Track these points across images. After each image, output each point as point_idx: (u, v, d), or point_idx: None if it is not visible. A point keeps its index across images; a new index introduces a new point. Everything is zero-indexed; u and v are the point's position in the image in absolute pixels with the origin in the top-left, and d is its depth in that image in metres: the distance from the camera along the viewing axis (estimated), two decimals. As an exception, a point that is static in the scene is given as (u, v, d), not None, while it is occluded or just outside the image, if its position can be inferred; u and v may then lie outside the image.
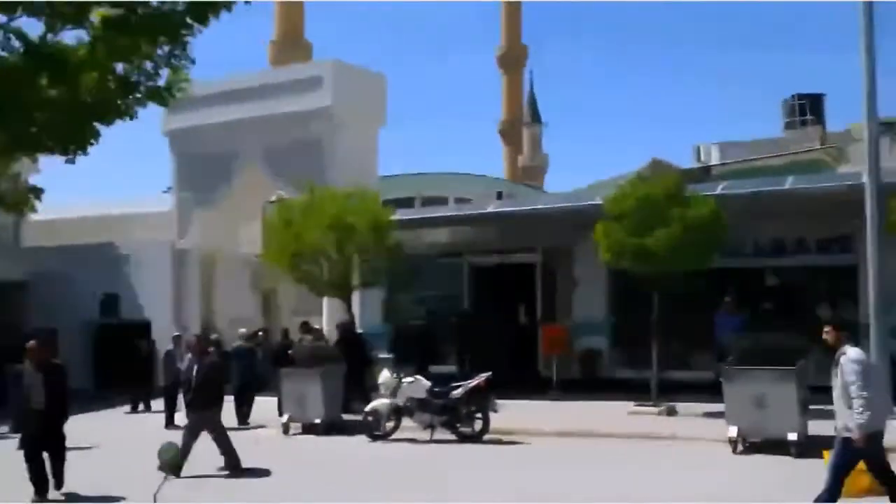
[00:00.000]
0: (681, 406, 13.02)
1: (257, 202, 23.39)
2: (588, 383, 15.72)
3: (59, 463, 9.49)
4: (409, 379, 12.02)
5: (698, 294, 15.15)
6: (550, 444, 11.53)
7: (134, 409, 18.53)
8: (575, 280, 16.49)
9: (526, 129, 71.66)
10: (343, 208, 14.51)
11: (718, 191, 13.55)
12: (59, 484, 9.45)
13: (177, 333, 16.53)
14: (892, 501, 6.72)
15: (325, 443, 12.49)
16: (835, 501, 6.57)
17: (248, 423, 14.85)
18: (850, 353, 6.67)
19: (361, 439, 12.35)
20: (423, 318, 17.71)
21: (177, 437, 14.33)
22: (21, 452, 9.50)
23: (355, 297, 19.17)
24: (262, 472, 10.31)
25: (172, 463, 7.25)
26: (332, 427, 13.18)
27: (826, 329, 7.04)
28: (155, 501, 6.43)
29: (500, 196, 23.00)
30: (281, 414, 14.97)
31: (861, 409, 6.42)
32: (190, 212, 21.84)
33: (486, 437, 11.73)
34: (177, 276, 21.96)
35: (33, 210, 18.09)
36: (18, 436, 10.36)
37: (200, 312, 22.02)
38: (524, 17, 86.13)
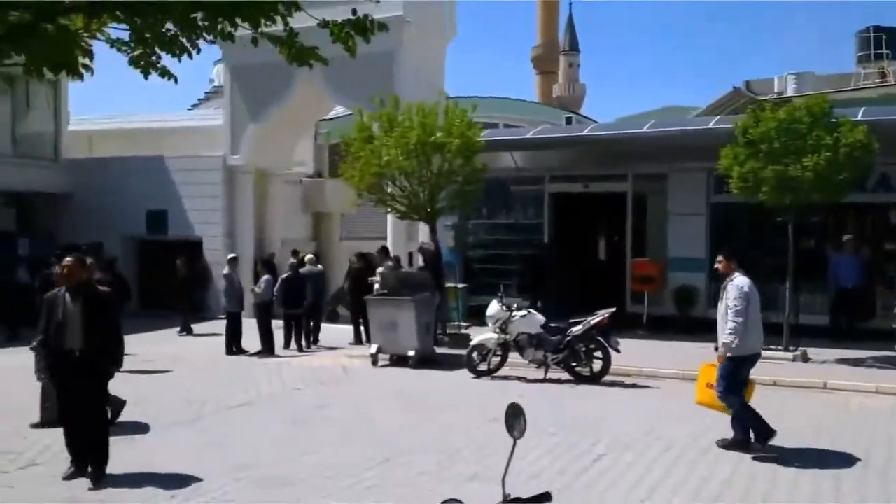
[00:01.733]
0: (810, 351, 11.83)
1: (313, 118, 21.94)
2: (679, 322, 14.53)
3: (99, 434, 6.49)
4: (522, 312, 10.79)
5: (812, 230, 13.86)
6: (680, 388, 10.33)
7: (184, 330, 17.54)
8: (669, 211, 15.13)
9: (563, 57, 68.88)
10: (431, 125, 13.07)
11: (861, 116, 12.00)
12: (95, 476, 6.36)
13: (233, 255, 15.30)
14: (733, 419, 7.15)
15: (424, 377, 11.34)
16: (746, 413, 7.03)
17: (316, 346, 14.43)
18: (737, 280, 7.07)
19: (461, 375, 11.22)
20: (536, 249, 16.24)
21: (235, 363, 13.62)
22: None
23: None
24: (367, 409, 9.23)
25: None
26: (424, 360, 12.06)
27: (719, 259, 7.38)
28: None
29: (569, 121, 21.46)
30: (359, 342, 13.96)
31: (731, 330, 6.92)
32: (242, 127, 20.38)
33: (606, 377, 10.58)
34: (228, 193, 20.65)
35: (79, 76, 16.73)
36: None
37: (254, 232, 20.81)
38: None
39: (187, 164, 21.06)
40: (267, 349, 13.77)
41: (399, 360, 12.24)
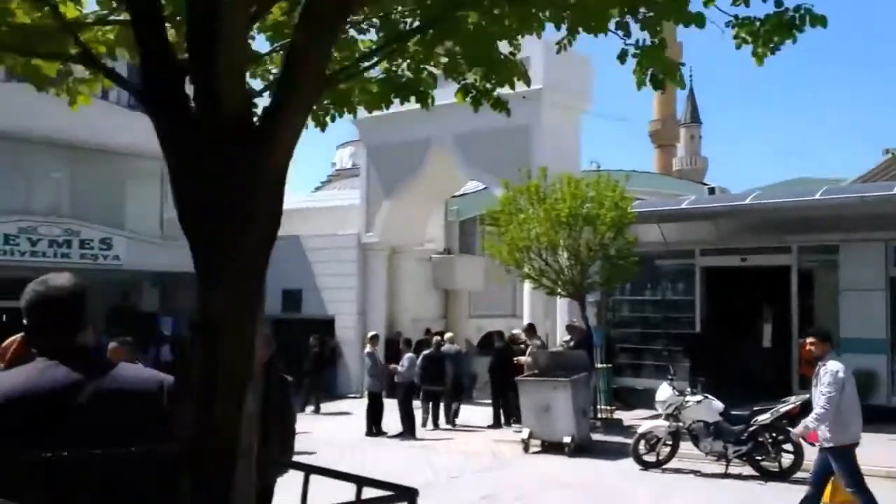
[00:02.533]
0: None
1: (444, 194, 21.76)
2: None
3: None
4: (697, 397, 9.70)
5: None
6: (880, 486, 8.91)
7: (316, 410, 17.22)
8: (841, 287, 13.71)
9: (683, 129, 67.40)
10: (583, 197, 12.41)
11: None
12: None
13: (374, 333, 14.87)
14: None
15: (585, 467, 10.32)
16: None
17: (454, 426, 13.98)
18: (831, 364, 6.83)
19: (626, 465, 10.16)
20: (688, 327, 15.16)
21: (379, 445, 13.03)
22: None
23: (563, 300, 17.17)
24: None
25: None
26: (581, 447, 11.07)
27: (810, 341, 7.11)
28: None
29: (712, 191, 20.33)
30: (498, 425, 13.13)
31: (817, 416, 6.73)
32: (377, 205, 20.37)
33: (797, 474, 9.28)
34: (362, 271, 20.52)
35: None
36: None
37: (386, 310, 20.52)
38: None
39: (322, 242, 21.16)
40: (409, 430, 13.14)
41: (551, 447, 11.28)
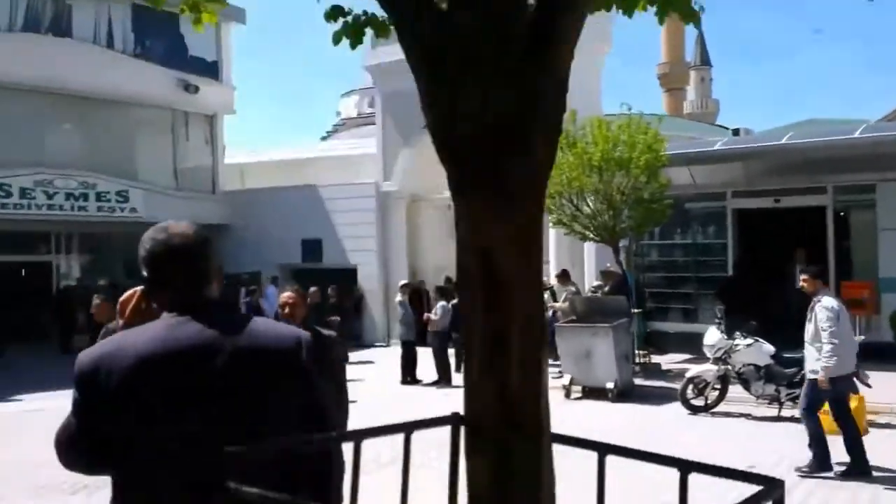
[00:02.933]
0: None
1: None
2: (896, 350, 12.78)
3: None
4: (747, 341, 9.55)
5: None
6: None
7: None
8: (879, 227, 13.47)
9: (693, 72, 66.27)
10: (615, 140, 12.08)
11: None
12: None
13: (405, 282, 14.65)
14: (844, 443, 6.94)
15: (632, 412, 10.19)
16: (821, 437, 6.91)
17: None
18: (825, 300, 6.98)
19: (673, 410, 10.06)
20: (719, 270, 14.96)
21: (415, 393, 13.01)
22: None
23: (590, 246, 16.94)
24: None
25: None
26: (623, 392, 10.97)
27: (803, 277, 7.29)
28: None
29: (736, 133, 19.93)
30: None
31: (829, 353, 6.80)
32: (394, 153, 20.00)
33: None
34: (382, 220, 20.27)
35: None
36: None
37: (407, 259, 20.33)
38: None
39: (340, 192, 20.86)
40: (445, 378, 13.05)
41: (592, 393, 11.18)
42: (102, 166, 20.38)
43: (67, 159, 19.89)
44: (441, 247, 21.45)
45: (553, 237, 17.30)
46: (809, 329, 7.07)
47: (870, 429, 8.16)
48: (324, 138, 42.63)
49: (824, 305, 6.94)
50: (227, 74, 23.04)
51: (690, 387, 9.90)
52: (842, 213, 14.09)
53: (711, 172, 15.06)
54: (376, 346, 19.60)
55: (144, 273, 2.07)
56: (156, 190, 21.29)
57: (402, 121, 19.68)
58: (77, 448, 1.97)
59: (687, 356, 14.49)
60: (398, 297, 13.71)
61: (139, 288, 2.15)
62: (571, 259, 17.09)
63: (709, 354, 9.79)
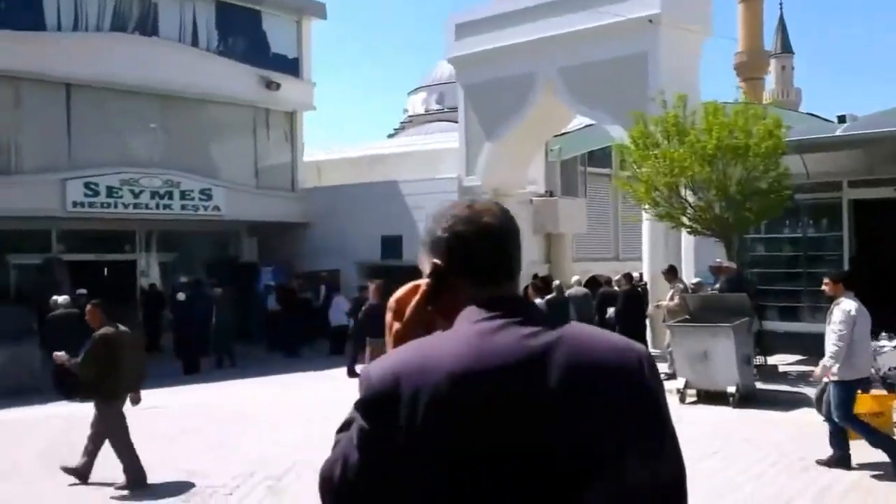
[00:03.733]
0: None
1: (550, 134, 20.62)
2: None
3: None
4: (894, 342, 8.64)
5: None
6: None
7: None
8: None
9: (774, 60, 63.59)
10: (732, 126, 11.20)
11: None
12: None
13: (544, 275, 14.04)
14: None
15: (762, 420, 9.34)
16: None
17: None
18: (844, 304, 6.99)
19: (806, 417, 9.19)
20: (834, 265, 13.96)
21: None
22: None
23: (680, 238, 16.02)
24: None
25: None
26: (745, 397, 10.12)
27: (825, 281, 7.37)
28: None
29: (842, 119, 18.64)
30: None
31: (831, 355, 6.89)
32: (477, 147, 19.37)
33: None
34: (465, 216, 19.64)
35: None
36: None
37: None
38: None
39: (422, 187, 20.34)
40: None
41: (709, 397, 10.36)
42: (186, 165, 20.35)
43: (152, 158, 19.91)
44: (526, 243, 20.73)
45: (647, 232, 16.45)
46: (827, 332, 7.05)
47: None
48: (390, 136, 42.51)
49: (842, 308, 6.97)
50: (308, 71, 22.81)
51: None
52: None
53: (826, 161, 13.99)
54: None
55: (436, 260, 1.53)
56: (237, 188, 21.18)
57: (485, 113, 19.07)
58: (359, 495, 1.38)
59: (798, 357, 13.52)
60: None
61: (421, 281, 1.57)
62: (665, 255, 16.18)
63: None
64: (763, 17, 67.88)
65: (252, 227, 22.74)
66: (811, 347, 13.27)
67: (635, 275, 16.57)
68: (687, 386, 10.40)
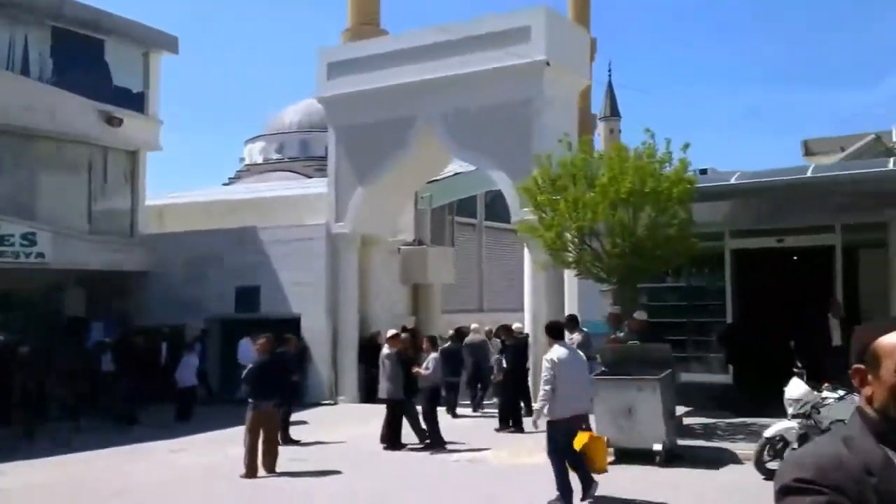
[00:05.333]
0: None
1: (424, 179, 19.72)
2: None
3: None
4: (837, 393, 8.20)
5: None
6: None
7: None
8: (894, 268, 12.65)
9: (603, 123, 66.89)
10: (648, 171, 10.75)
11: None
12: None
13: (394, 331, 12.67)
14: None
15: (695, 480, 8.57)
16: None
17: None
18: (550, 352, 7.62)
19: (742, 476, 8.57)
20: (713, 315, 13.86)
21: (422, 461, 10.90)
22: None
23: (563, 287, 15.55)
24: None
25: None
26: (671, 455, 9.40)
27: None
28: None
29: (704, 172, 19.11)
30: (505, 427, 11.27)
31: (541, 398, 7.48)
32: (347, 193, 18.07)
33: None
34: (332, 265, 18.22)
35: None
36: None
37: (358, 307, 18.30)
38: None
39: (285, 234, 18.72)
40: (437, 442, 11.16)
41: (630, 456, 9.53)
42: (6, 206, 17.57)
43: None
44: (389, 293, 19.60)
45: (529, 281, 15.84)
46: None
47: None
48: (226, 184, 40.30)
49: (547, 356, 7.59)
50: (154, 107, 20.66)
51: (767, 448, 8.43)
52: (851, 254, 13.24)
53: (707, 211, 13.98)
54: (322, 405, 17.39)
55: None
56: (67, 233, 18.52)
57: (356, 157, 17.92)
58: None
59: (687, 408, 13.19)
60: (385, 350, 11.72)
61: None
62: (549, 305, 15.59)
63: (791, 410, 8.35)
64: (591, 80, 71.85)
65: (80, 278, 19.98)
66: (699, 398, 13.05)
67: (516, 325, 15.85)
68: (608, 444, 9.53)
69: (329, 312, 17.97)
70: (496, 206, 24.31)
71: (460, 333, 15.30)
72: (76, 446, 12.70)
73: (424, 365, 11.22)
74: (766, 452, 8.40)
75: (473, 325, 13.57)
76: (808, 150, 43.61)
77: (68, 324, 19.11)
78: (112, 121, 19.13)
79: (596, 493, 7.73)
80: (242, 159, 52.61)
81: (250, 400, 9.96)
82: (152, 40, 20.45)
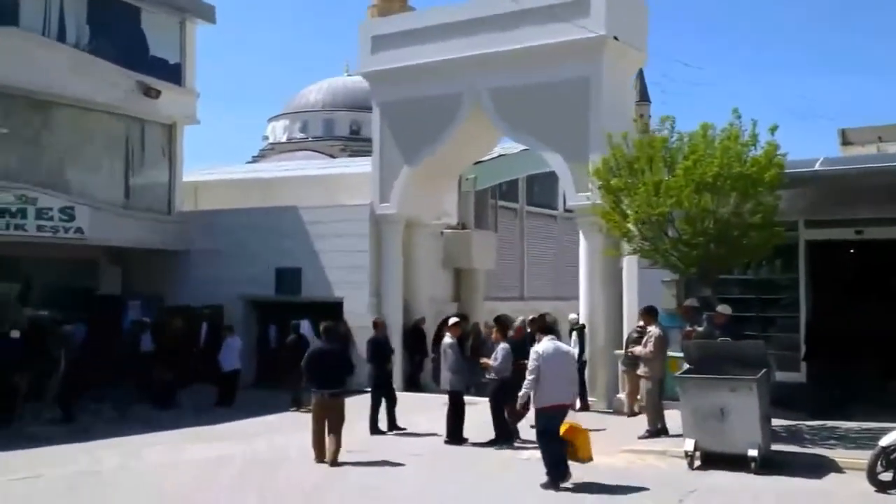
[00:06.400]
0: None
1: (471, 159, 18.99)
2: None
3: None
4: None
5: None
6: None
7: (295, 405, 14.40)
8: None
9: (634, 107, 65.49)
10: (738, 153, 10.01)
11: None
12: None
13: (456, 319, 12.02)
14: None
15: (798, 490, 7.95)
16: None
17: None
18: (536, 345, 8.45)
19: (849, 484, 7.92)
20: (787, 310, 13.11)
21: (484, 457, 10.42)
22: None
23: (621, 275, 14.84)
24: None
25: None
26: (766, 462, 8.73)
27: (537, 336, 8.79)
28: None
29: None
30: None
31: (524, 386, 8.26)
32: (393, 172, 17.40)
33: None
34: (376, 247, 17.59)
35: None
36: None
37: (402, 291, 17.69)
38: None
39: (327, 215, 18.10)
40: (503, 436, 10.57)
41: (721, 461, 8.88)
42: (44, 179, 17.05)
43: (2, 169, 16.50)
44: (433, 278, 18.98)
45: (584, 268, 15.15)
46: None
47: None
48: (249, 162, 39.81)
49: (533, 349, 8.38)
50: (191, 79, 20.03)
51: (881, 459, 7.75)
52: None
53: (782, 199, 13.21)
54: (366, 392, 16.81)
55: None
56: (105, 208, 18.00)
57: (402, 135, 17.24)
58: None
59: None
60: (447, 339, 11.12)
61: None
62: (605, 294, 14.92)
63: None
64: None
65: (115, 255, 19.51)
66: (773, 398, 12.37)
67: (572, 316, 15.17)
68: (697, 448, 8.90)
69: (373, 296, 17.37)
70: (535, 191, 23.62)
71: (501, 323, 14.29)
72: (122, 430, 12.28)
73: (493, 356, 10.58)
74: (879, 462, 7.72)
75: (520, 319, 12.65)
76: (846, 140, 42.33)
77: (103, 302, 18.65)
78: (150, 92, 18.55)
79: (570, 483, 8.11)
80: (266, 137, 52.04)
81: (311, 388, 9.57)
82: (189, 8, 19.78)
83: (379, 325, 12.99)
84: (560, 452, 8.00)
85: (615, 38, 14.03)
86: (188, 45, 19.90)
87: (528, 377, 8.08)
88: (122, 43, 18.63)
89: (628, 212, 10.36)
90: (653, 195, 10.03)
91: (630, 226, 10.40)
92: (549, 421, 8.02)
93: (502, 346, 10.59)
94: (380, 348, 12.23)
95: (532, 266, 23.06)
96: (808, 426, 10.80)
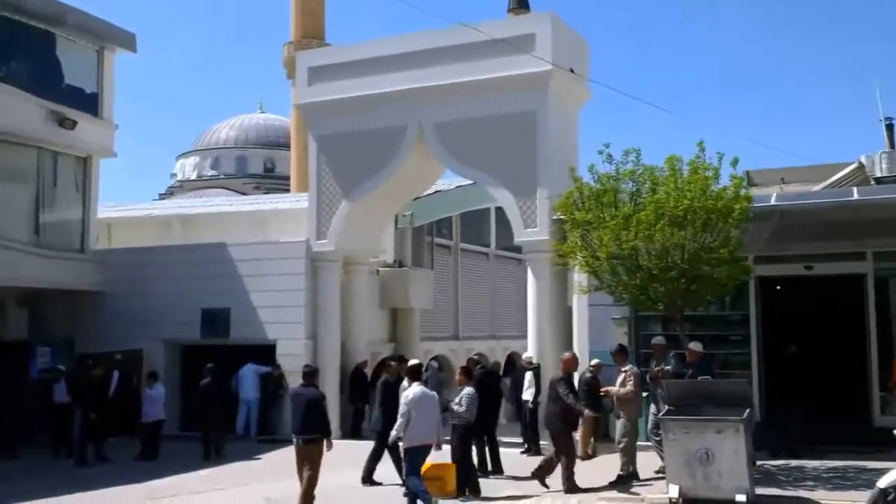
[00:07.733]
0: None
1: (412, 195, 18.37)
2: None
3: None
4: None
5: None
6: None
7: (205, 456, 13.53)
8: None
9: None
10: (707, 187, 9.79)
11: None
12: None
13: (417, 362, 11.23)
14: None
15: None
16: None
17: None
18: (408, 390, 9.15)
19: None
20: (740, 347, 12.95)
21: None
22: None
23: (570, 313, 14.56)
24: None
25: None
26: (754, 506, 8.33)
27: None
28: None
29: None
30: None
31: (395, 427, 8.93)
32: (331, 208, 16.58)
33: None
34: (311, 286, 16.66)
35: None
36: None
37: (340, 332, 16.78)
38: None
39: (260, 252, 17.09)
40: (474, 486, 9.85)
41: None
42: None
43: None
44: (371, 319, 18.14)
45: (532, 309, 14.74)
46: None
47: None
48: (156, 200, 38.38)
49: (404, 392, 9.16)
50: (108, 110, 18.75)
51: (881, 499, 7.45)
52: (883, 282, 12.60)
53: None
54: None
55: None
56: (11, 246, 16.44)
57: (340, 169, 16.51)
58: None
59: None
60: (405, 382, 10.34)
61: None
62: (553, 333, 14.52)
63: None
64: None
65: (22, 297, 17.86)
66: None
67: (527, 355, 14.65)
68: (681, 495, 8.43)
69: (309, 338, 16.40)
70: (468, 229, 23.23)
71: (466, 368, 13.57)
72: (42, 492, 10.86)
73: (458, 400, 9.90)
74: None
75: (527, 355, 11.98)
76: (751, 181, 43.88)
77: (8, 349, 16.93)
78: (65, 122, 17.20)
79: None
80: (174, 174, 50.17)
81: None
82: (108, 36, 18.59)
83: (390, 367, 11.98)
84: (420, 486, 8.70)
85: (571, 70, 13.80)
86: (106, 75, 18.65)
87: (399, 419, 8.78)
88: (34, 70, 17.28)
89: (597, 246, 9.94)
90: (622, 229, 9.66)
91: (599, 261, 9.96)
92: (416, 456, 8.78)
93: (467, 391, 9.93)
94: (394, 391, 11.08)
95: (466, 305, 22.53)
96: (774, 466, 10.55)
